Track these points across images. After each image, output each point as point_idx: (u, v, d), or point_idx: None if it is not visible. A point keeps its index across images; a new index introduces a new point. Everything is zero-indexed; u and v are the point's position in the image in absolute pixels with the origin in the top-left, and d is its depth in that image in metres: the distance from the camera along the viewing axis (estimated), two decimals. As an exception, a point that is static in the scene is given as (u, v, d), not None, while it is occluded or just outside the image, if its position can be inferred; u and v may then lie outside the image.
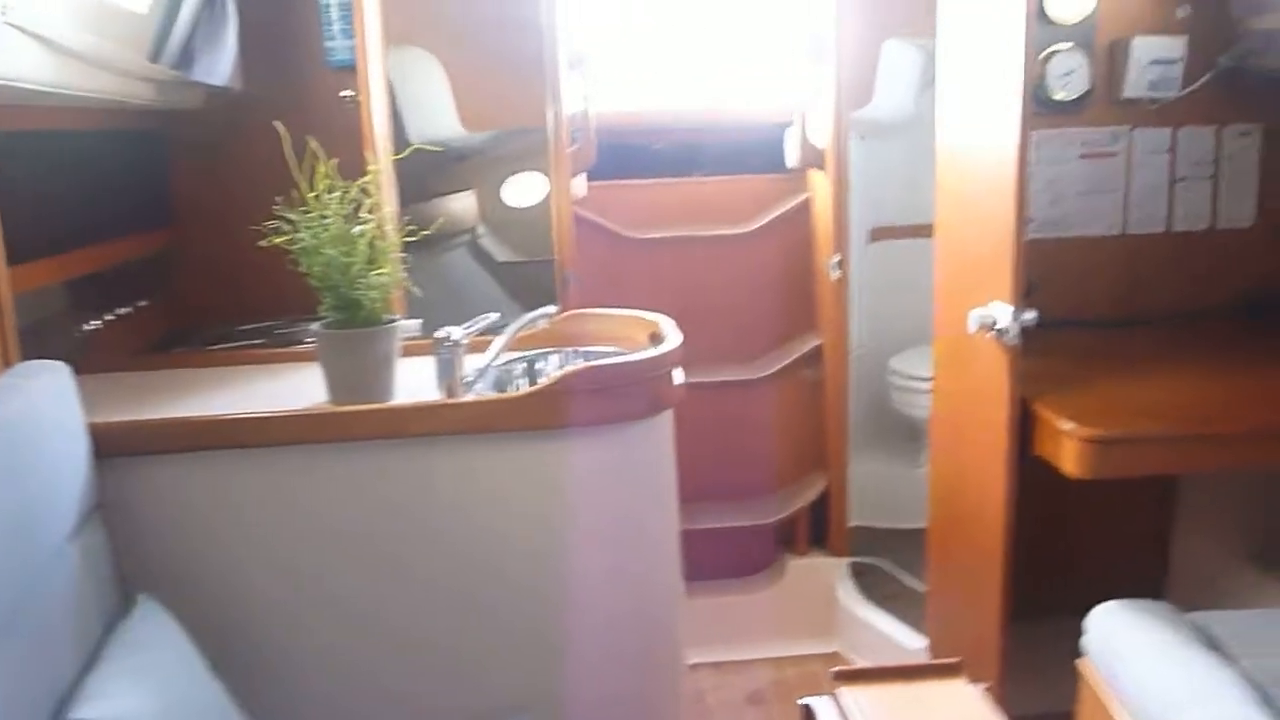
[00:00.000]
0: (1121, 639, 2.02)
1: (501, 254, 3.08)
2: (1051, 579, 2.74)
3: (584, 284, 2.87)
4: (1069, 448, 2.12)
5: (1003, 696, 2.33)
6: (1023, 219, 2.11)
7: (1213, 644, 1.98)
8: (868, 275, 3.89)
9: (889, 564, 3.53)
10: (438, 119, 2.98)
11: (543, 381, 1.93)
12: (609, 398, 1.83)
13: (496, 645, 1.87)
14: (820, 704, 1.60)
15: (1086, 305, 2.63)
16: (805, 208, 3.26)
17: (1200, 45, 2.47)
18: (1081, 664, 2.13)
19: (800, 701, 1.62)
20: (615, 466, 1.89)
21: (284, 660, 1.81)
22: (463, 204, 3.04)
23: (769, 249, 3.27)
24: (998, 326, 2.19)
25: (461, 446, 1.81)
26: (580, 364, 2.04)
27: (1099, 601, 2.15)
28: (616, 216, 3.19)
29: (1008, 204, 2.14)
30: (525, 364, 2.27)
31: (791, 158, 3.22)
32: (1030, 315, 2.14)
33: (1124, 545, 2.93)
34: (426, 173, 1.78)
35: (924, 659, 2.83)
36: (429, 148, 2.01)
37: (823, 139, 3.10)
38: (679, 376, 1.98)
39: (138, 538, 1.71)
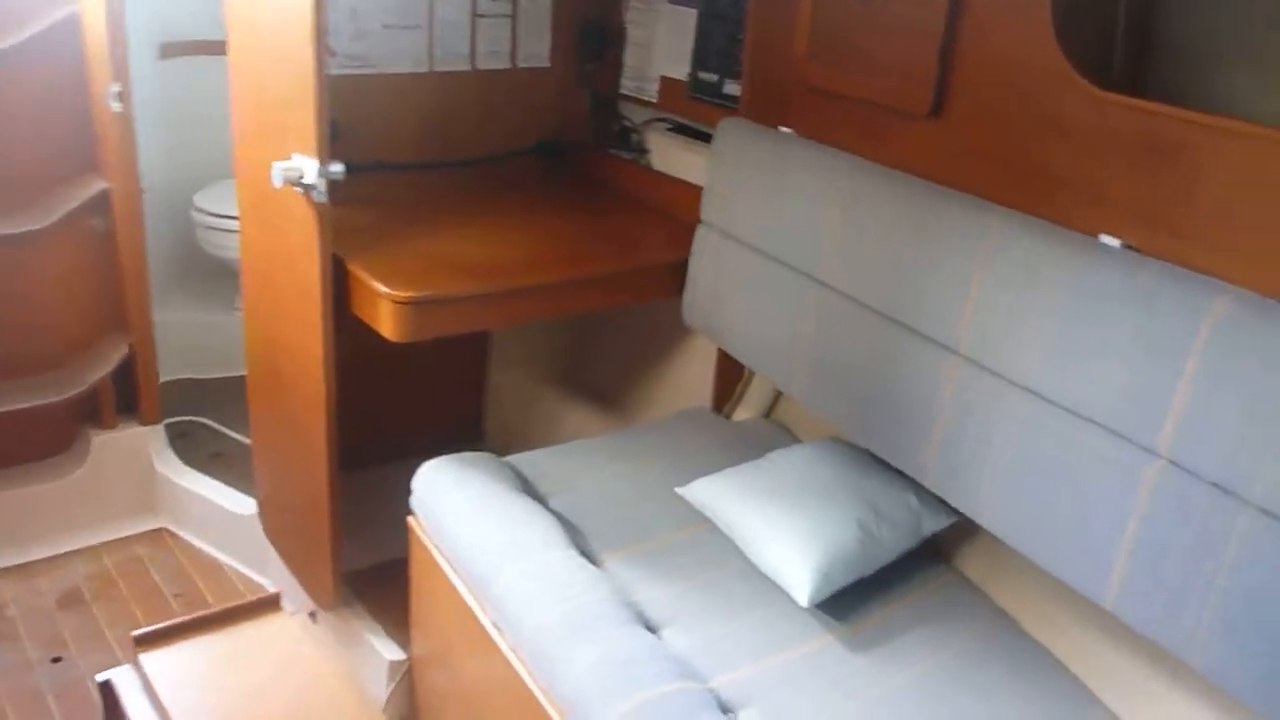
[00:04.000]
0: (445, 496, 2.04)
1: None
2: (381, 428, 2.73)
3: None
4: (385, 310, 2.05)
5: (337, 551, 2.29)
6: (322, 58, 1.91)
7: (527, 488, 2.09)
8: (159, 99, 3.44)
9: (212, 419, 3.30)
10: None
11: None
12: None
13: None
14: (120, 676, 1.37)
15: (394, 147, 2.53)
16: (73, 23, 2.70)
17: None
18: (411, 521, 2.13)
19: (98, 678, 1.38)
20: None
21: None
22: None
23: (28, 74, 2.68)
24: (304, 181, 2.00)
25: None
26: None
27: (430, 446, 2.15)
28: None
29: (304, 37, 1.91)
30: None
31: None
32: (338, 169, 1.98)
33: (448, 390, 3.01)
34: None
35: (255, 523, 2.70)
36: None
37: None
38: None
39: None
